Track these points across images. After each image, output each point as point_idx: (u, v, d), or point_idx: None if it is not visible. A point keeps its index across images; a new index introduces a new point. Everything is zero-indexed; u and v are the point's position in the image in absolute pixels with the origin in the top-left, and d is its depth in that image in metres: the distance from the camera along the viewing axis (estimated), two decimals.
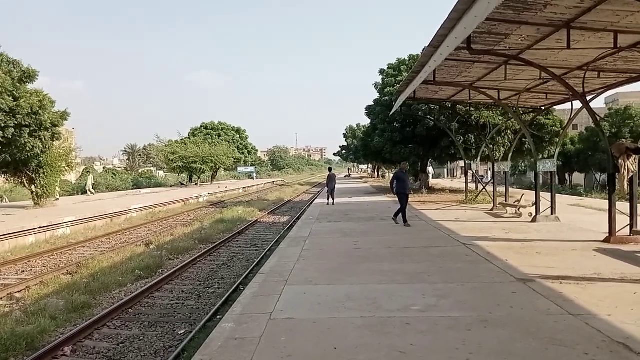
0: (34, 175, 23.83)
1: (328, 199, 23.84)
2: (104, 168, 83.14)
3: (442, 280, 7.70)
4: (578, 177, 53.42)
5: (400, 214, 14.75)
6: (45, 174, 24.07)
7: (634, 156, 10.61)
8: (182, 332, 7.81)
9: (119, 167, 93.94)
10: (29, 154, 21.27)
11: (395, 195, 15.51)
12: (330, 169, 26.68)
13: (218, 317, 7.74)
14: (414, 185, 32.76)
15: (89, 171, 34.49)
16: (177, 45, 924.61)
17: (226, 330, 5.67)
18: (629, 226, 10.85)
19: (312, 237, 12.89)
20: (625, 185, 10.68)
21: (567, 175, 52.89)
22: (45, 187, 24.32)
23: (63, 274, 11.86)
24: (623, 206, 11.64)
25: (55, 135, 22.77)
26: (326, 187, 25.68)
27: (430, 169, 54.40)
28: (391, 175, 58.69)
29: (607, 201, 11.55)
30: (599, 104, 78.03)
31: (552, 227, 13.50)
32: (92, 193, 36.02)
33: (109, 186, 51.69)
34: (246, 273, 11.39)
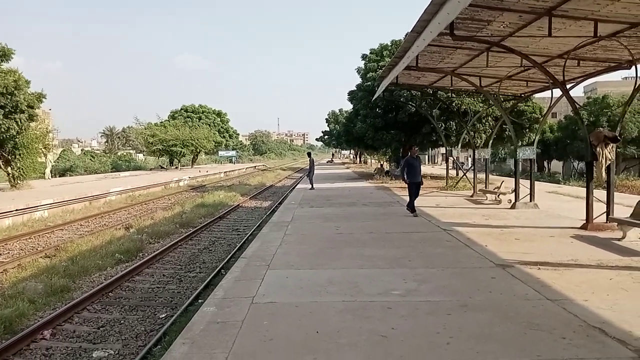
0: (9, 157, 23.39)
1: (311, 184, 23.93)
2: (82, 150, 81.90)
3: (423, 265, 7.78)
4: (556, 165, 54.33)
5: (413, 201, 13.80)
6: (22, 155, 23.65)
7: (612, 144, 10.79)
8: (163, 316, 7.78)
9: (97, 150, 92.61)
10: (4, 135, 20.83)
11: (406, 185, 14.14)
12: (309, 154, 26.69)
13: (200, 301, 7.72)
14: (395, 171, 32.93)
15: (44, 153, 31.10)
16: (161, 28, 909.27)
17: (208, 314, 5.66)
18: (605, 213, 11.06)
19: (294, 222, 12.90)
20: (603, 173, 10.86)
21: (545, 163, 53.74)
22: (22, 169, 23.90)
23: (41, 257, 11.69)
24: (600, 194, 11.87)
25: (32, 117, 22.34)
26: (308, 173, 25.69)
27: None
28: (374, 162, 59.02)
29: (585, 189, 11.75)
30: (577, 92, 79.00)
31: (530, 213, 13.70)
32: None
33: (87, 168, 50.98)
34: (228, 257, 11.37)
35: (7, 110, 19.95)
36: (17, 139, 22.57)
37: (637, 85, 11.23)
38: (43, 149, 26.10)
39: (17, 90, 19.94)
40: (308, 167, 25.36)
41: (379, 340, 4.76)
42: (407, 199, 14.09)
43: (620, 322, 5.08)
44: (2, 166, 24.09)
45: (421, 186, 14.27)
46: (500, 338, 4.76)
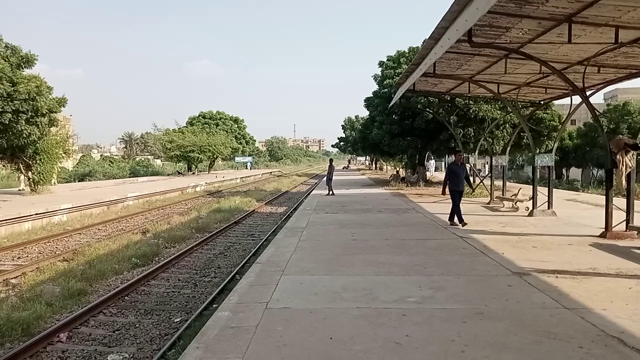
0: (30, 162, 23.77)
1: (330, 190, 24.18)
2: (101, 156, 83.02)
3: (439, 273, 7.71)
4: (575, 172, 53.56)
5: (455, 214, 12.96)
6: (42, 160, 24.01)
7: (632, 152, 10.60)
8: (178, 320, 7.82)
9: (116, 155, 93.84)
10: (25, 140, 21.18)
11: (449, 194, 13.19)
12: (331, 160, 27.48)
13: (214, 305, 7.75)
14: (412, 177, 32.78)
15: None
16: (181, 34, 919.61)
17: (222, 319, 5.67)
18: (625, 221, 10.88)
19: (309, 227, 12.90)
20: (623, 180, 10.69)
21: (564, 170, 53.01)
22: (42, 174, 24.27)
23: (59, 260, 11.85)
24: (620, 202, 11.67)
25: (52, 122, 22.70)
26: (325, 178, 26.12)
27: (432, 162, 54.67)
28: (390, 168, 58.77)
29: (604, 196, 11.57)
30: (597, 99, 78.11)
31: (548, 221, 13.52)
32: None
33: (106, 174, 51.62)
34: (243, 262, 11.40)
35: (29, 115, 20.30)
36: (37, 144, 22.94)
37: None
38: (63, 154, 26.35)
39: (38, 96, 20.29)
40: (327, 172, 25.88)
41: (393, 348, 4.72)
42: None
43: None
44: (22, 171, 24.49)
45: (460, 195, 13.08)
46: (516, 347, 4.68)
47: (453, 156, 13.64)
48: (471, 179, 23.53)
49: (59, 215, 18.54)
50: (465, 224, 12.59)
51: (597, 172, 47.06)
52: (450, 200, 13.09)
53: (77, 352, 6.55)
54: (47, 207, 18.09)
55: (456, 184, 13.01)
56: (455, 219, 12.88)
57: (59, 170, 28.13)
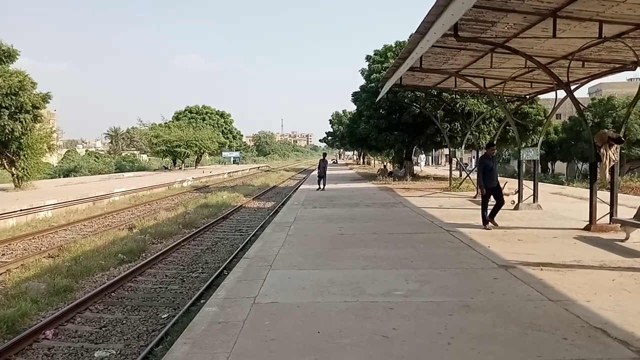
0: (14, 158, 23.44)
1: (319, 183, 24.00)
2: (86, 151, 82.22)
3: (425, 266, 7.77)
4: (560, 166, 54.13)
5: (487, 212, 11.64)
6: (26, 156, 23.69)
7: (616, 145, 10.74)
8: (165, 316, 7.79)
9: (101, 151, 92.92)
10: (8, 136, 20.90)
11: (483, 192, 11.84)
12: (324, 155, 26.98)
13: (202, 301, 7.72)
14: (399, 172, 32.90)
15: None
16: (165, 29, 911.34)
17: (210, 314, 5.66)
18: (609, 214, 11.01)
19: (297, 222, 12.90)
20: (607, 174, 10.82)
21: (549, 164, 53.57)
22: (26, 170, 23.96)
23: (45, 257, 11.74)
24: (604, 195, 11.82)
25: (37, 118, 22.42)
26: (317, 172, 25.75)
27: (422, 157, 54.85)
28: (377, 162, 58.84)
29: (588, 190, 11.70)
30: (582, 93, 78.86)
31: (534, 214, 13.66)
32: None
33: (91, 169, 51.17)
34: (230, 258, 11.38)
35: (11, 111, 20.02)
36: (21, 140, 22.63)
37: None
38: (47, 150, 26.03)
39: (21, 91, 20.01)
40: (318, 167, 25.28)
41: (380, 341, 4.75)
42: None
43: (622, 323, 5.05)
44: (6, 167, 24.16)
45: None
46: (501, 339, 4.74)
47: (484, 150, 11.95)
48: (460, 173, 23.46)
49: (44, 212, 18.35)
50: (490, 228, 11.26)
51: (582, 165, 47.58)
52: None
53: (63, 349, 6.50)
54: (31, 203, 17.89)
55: (491, 180, 11.73)
56: (491, 217, 11.67)
57: (43, 165, 27.81)
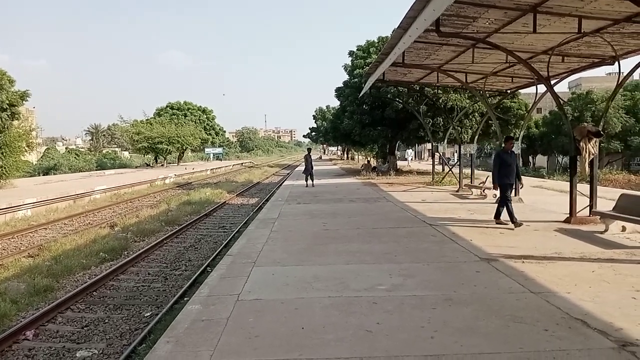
0: None
1: (306, 180, 23.83)
2: (66, 148, 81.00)
3: (409, 260, 7.81)
4: (541, 160, 54.79)
5: (505, 210, 10.92)
6: (4, 154, 23.28)
7: (595, 139, 10.90)
8: (148, 314, 7.72)
9: (82, 148, 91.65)
10: None
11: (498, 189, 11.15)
12: (309, 150, 26.88)
13: (185, 299, 7.66)
14: (382, 167, 33.00)
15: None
16: (146, 25, 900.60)
17: (193, 312, 5.62)
18: (588, 207, 11.18)
19: (280, 218, 12.87)
20: (586, 167, 10.98)
21: (530, 158, 54.14)
22: (4, 168, 23.55)
23: (24, 256, 11.55)
24: (583, 188, 12.00)
25: (15, 115, 22.03)
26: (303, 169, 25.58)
27: (409, 151, 55.04)
28: (361, 158, 58.95)
29: (569, 183, 11.86)
30: (562, 88, 79.82)
31: (515, 208, 13.76)
32: None
33: (72, 167, 50.45)
34: (214, 255, 11.31)
35: None
36: None
37: (620, 81, 11.35)
38: (26, 148, 25.61)
39: None
40: (304, 163, 25.07)
41: (364, 335, 4.76)
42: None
43: (602, 314, 5.14)
44: None
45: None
46: (484, 331, 4.79)
47: (503, 144, 11.43)
48: (442, 167, 23.39)
49: (23, 210, 18.04)
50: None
51: (562, 159, 48.21)
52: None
53: (44, 349, 6.41)
54: (10, 201, 17.58)
55: (507, 176, 10.91)
56: (502, 217, 11.00)
57: (22, 163, 27.32)
